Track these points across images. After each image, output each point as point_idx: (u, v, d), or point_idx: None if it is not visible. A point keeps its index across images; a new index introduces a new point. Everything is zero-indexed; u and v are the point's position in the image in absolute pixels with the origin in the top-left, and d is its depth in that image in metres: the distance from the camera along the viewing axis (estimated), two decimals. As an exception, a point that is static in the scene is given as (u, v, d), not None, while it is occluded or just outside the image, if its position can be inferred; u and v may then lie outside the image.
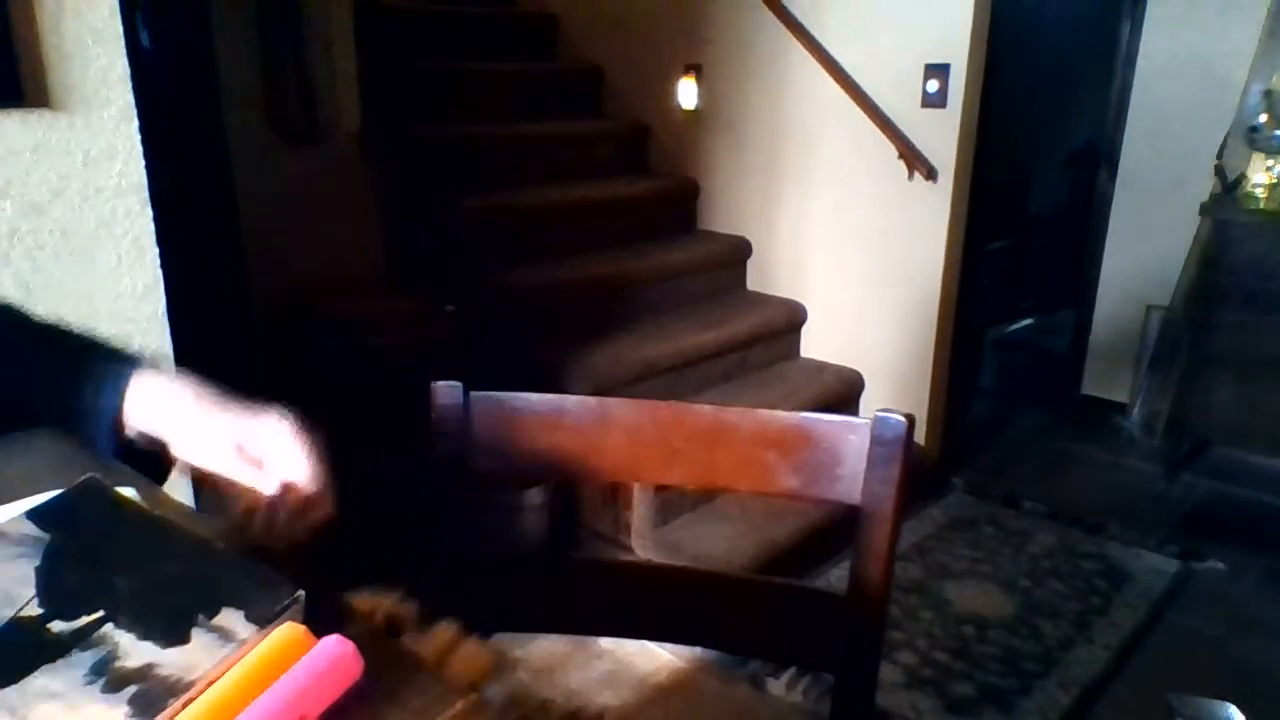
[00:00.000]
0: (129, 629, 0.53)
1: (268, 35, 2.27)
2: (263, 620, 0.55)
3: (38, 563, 0.56)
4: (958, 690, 1.88)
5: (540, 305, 2.48)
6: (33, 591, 0.54)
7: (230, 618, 0.55)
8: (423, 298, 2.40)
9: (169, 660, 0.52)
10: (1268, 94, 2.59)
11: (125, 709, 0.48)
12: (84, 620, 0.53)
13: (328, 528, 0.66)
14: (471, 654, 0.62)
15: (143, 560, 0.59)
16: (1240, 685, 1.89)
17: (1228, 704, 1.16)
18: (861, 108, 2.57)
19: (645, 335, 2.55)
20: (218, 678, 0.51)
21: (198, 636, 0.53)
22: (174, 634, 0.53)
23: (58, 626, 0.53)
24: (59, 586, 0.55)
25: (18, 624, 0.52)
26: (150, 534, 0.61)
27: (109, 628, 0.53)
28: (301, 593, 0.57)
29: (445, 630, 0.61)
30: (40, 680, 0.49)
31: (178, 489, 0.77)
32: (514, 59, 3.23)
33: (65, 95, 1.18)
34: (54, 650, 0.51)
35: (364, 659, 0.54)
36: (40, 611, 0.53)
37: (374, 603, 0.62)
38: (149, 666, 0.51)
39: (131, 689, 0.49)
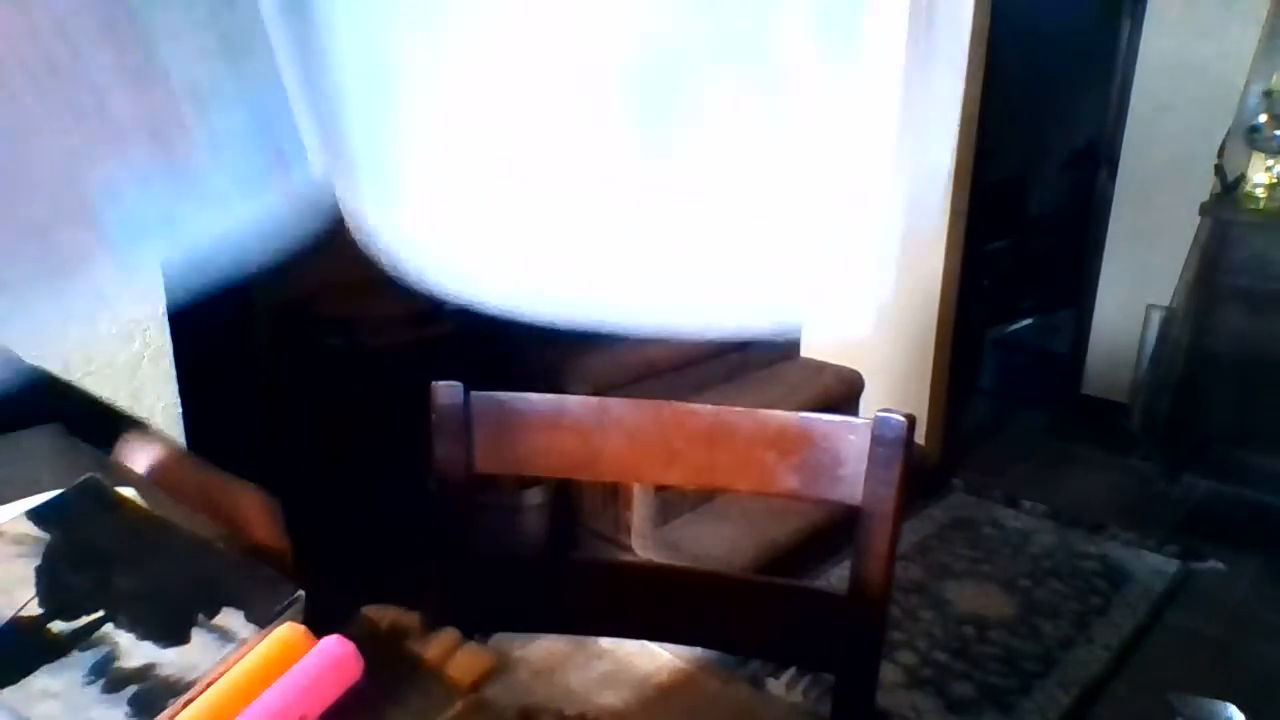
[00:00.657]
0: (129, 629, 0.54)
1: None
2: (263, 620, 0.55)
3: (38, 563, 0.56)
4: (958, 690, 1.88)
5: (540, 305, 2.48)
6: (33, 591, 0.54)
7: (230, 618, 0.55)
8: (423, 298, 2.40)
9: (169, 660, 0.52)
10: (1268, 94, 2.59)
11: (125, 709, 0.48)
12: (84, 620, 0.53)
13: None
14: (471, 657, 0.62)
15: (143, 560, 0.59)
16: (1240, 685, 1.89)
17: (1228, 704, 1.16)
18: (861, 108, 2.57)
19: (645, 335, 2.55)
20: (218, 678, 0.51)
21: (198, 636, 0.53)
22: (174, 634, 0.53)
23: (58, 626, 0.53)
24: (59, 586, 0.55)
25: (17, 624, 0.52)
26: (150, 534, 0.61)
27: (109, 628, 0.53)
28: (301, 592, 0.58)
29: (447, 636, 0.62)
30: (40, 681, 0.49)
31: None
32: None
33: (65, 95, 1.18)
34: (54, 651, 0.51)
35: (364, 659, 0.54)
36: (40, 611, 0.53)
37: (379, 613, 0.62)
38: (149, 666, 0.51)
39: (131, 689, 0.50)
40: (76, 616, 0.54)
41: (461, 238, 0.46)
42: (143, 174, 0.44)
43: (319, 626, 0.56)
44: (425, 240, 0.52)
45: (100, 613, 0.54)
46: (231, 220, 0.51)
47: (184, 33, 0.44)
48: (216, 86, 0.46)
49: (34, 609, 0.53)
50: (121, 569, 0.57)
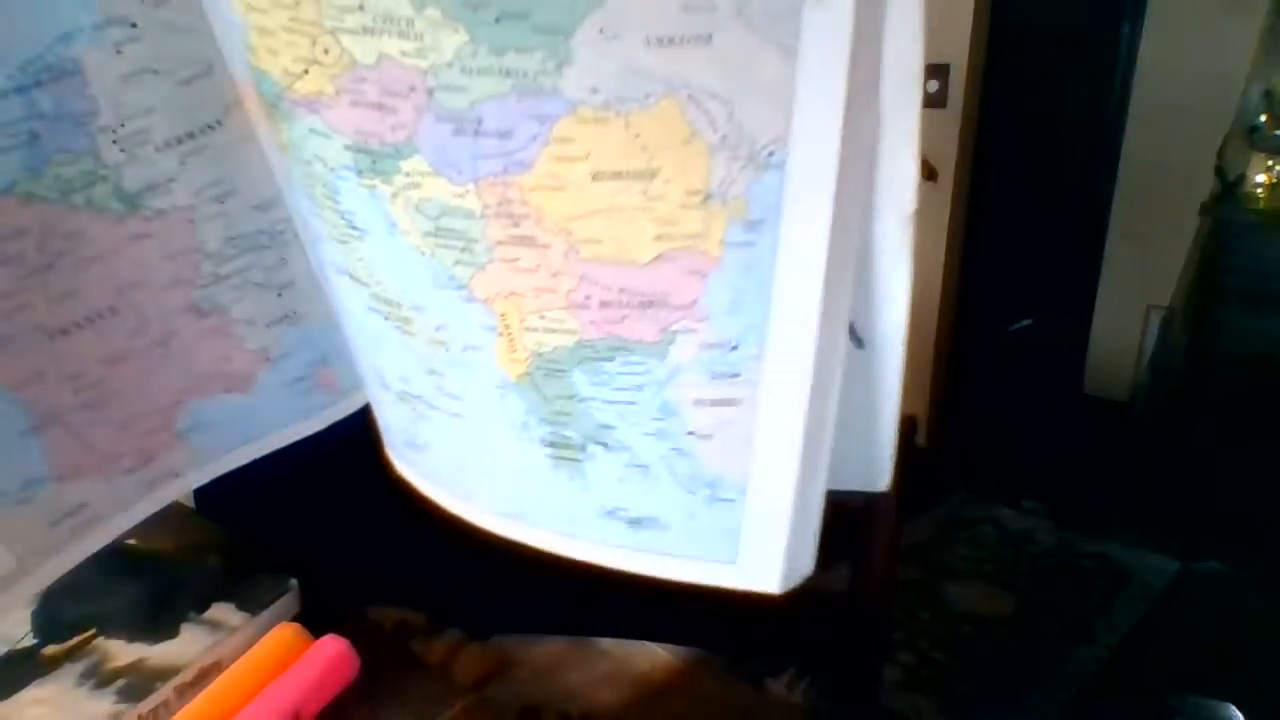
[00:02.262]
0: (118, 637, 0.54)
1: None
2: (254, 609, 0.55)
3: (34, 606, 0.57)
4: (958, 690, 1.87)
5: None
6: (28, 628, 0.55)
7: (221, 610, 0.55)
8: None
9: (157, 653, 0.52)
10: (1268, 94, 2.59)
11: (112, 698, 0.49)
12: (76, 640, 0.54)
13: None
14: (475, 657, 0.62)
15: (133, 580, 0.59)
16: (1240, 685, 1.89)
17: (1228, 704, 1.16)
18: (861, 107, 2.56)
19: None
20: (209, 663, 0.52)
21: (187, 630, 0.54)
22: (163, 633, 0.54)
23: (50, 650, 0.53)
24: (53, 618, 0.55)
25: (12, 655, 0.53)
26: (140, 557, 0.61)
27: (100, 640, 0.54)
28: (294, 580, 0.58)
29: (450, 638, 0.62)
30: (32, 691, 0.50)
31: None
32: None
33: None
34: (46, 667, 0.52)
35: (361, 658, 0.54)
36: (34, 642, 0.54)
37: (381, 613, 0.62)
38: (138, 661, 0.52)
39: (120, 682, 0.50)
40: (68, 638, 0.54)
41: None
42: (218, 413, 0.55)
43: (316, 626, 0.55)
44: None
45: (91, 630, 0.55)
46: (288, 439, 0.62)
47: (257, 316, 0.56)
48: (281, 344, 0.57)
49: (29, 641, 0.54)
50: (112, 592, 0.58)
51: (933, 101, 2.48)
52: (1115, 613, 2.16)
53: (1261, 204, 2.55)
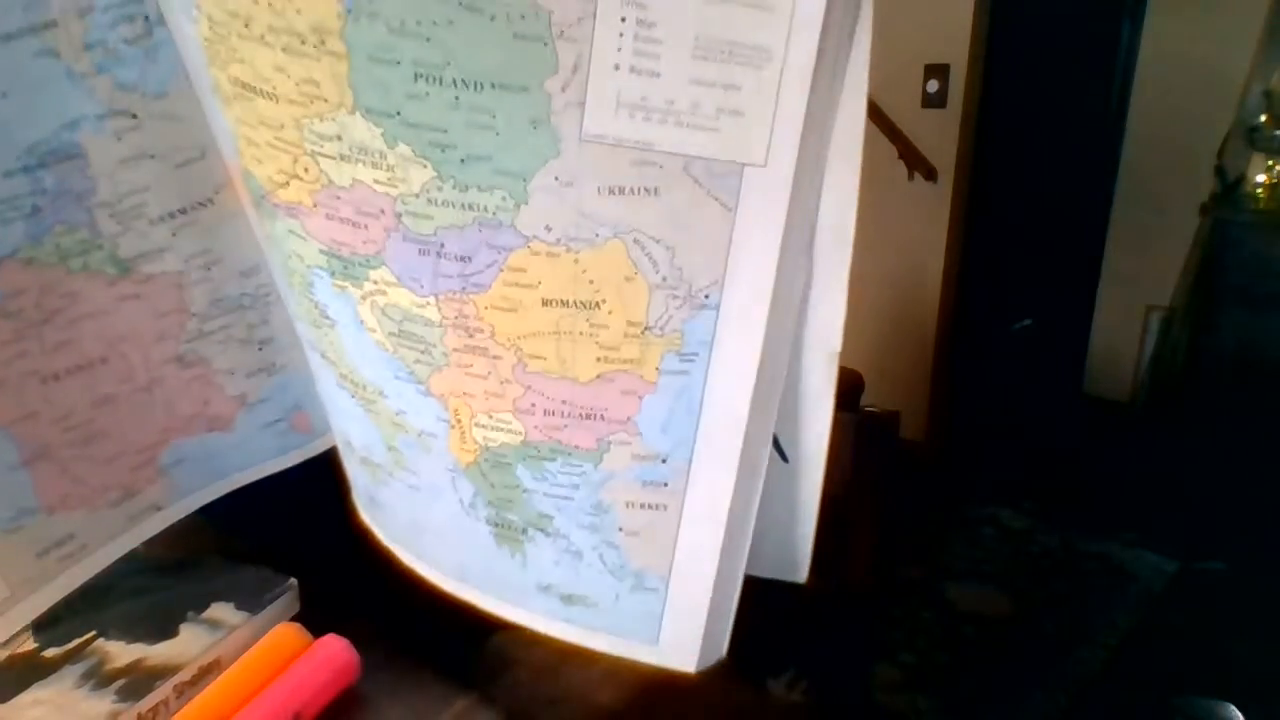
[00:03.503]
0: (118, 638, 0.54)
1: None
2: (254, 608, 0.56)
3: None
4: (958, 690, 1.87)
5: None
6: (28, 634, 0.55)
7: (220, 610, 0.56)
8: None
9: (157, 652, 0.53)
10: (1268, 94, 2.59)
11: (112, 698, 0.49)
12: (75, 642, 0.54)
13: None
14: (475, 657, 0.62)
15: (134, 584, 0.60)
16: (1240, 685, 1.89)
17: (1228, 704, 1.16)
18: (861, 108, 2.56)
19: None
20: (208, 662, 0.52)
21: (186, 629, 0.54)
22: (162, 633, 0.54)
23: (50, 652, 0.54)
24: (53, 621, 0.56)
25: (13, 658, 0.54)
26: (141, 558, 0.62)
27: (100, 641, 0.54)
28: (293, 580, 0.58)
29: (450, 638, 0.62)
30: (32, 693, 0.50)
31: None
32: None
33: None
34: (46, 670, 0.52)
35: (362, 658, 0.54)
36: (35, 645, 0.55)
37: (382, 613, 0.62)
38: (138, 661, 0.52)
39: (119, 682, 0.50)
40: (68, 640, 0.55)
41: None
42: (198, 450, 0.59)
43: (316, 626, 0.56)
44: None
45: (92, 632, 0.55)
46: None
47: (238, 368, 0.60)
48: (259, 391, 0.61)
49: (29, 645, 0.55)
50: (112, 592, 0.58)
51: (933, 101, 2.48)
52: (1115, 613, 2.16)
53: (1261, 204, 2.55)
